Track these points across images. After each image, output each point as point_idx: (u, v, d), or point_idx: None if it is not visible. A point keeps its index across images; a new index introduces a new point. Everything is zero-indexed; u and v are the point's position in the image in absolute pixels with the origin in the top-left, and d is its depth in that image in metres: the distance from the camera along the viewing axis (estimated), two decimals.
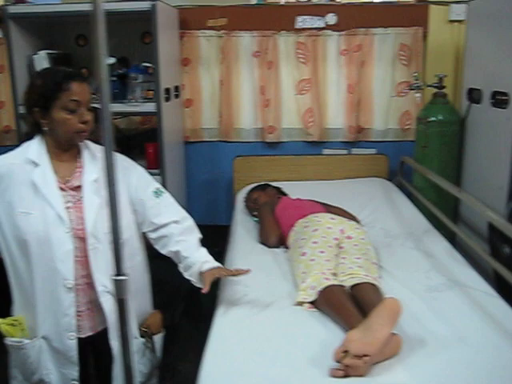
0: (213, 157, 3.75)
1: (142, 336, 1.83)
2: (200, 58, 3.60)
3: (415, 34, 3.45)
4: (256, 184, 3.31)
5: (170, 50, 3.29)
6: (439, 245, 2.55)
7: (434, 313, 1.89)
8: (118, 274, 1.14)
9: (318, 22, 3.45)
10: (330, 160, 3.70)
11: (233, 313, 1.92)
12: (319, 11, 3.46)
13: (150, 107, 3.02)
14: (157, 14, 2.91)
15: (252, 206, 3.09)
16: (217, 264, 1.87)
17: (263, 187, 3.22)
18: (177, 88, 3.44)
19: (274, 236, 2.65)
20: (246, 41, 3.54)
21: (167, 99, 3.17)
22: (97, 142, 1.74)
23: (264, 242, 2.64)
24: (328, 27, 3.47)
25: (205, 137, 3.74)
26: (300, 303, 1.97)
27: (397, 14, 3.45)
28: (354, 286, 1.97)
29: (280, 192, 3.20)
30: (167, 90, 3.16)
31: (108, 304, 1.66)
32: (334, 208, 2.83)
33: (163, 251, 1.86)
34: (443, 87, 3.18)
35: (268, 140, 3.68)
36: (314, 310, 1.93)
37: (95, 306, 1.70)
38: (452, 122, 3.17)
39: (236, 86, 3.61)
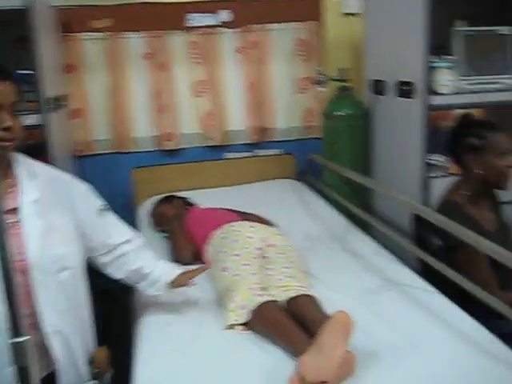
0: (109, 170, 3.40)
1: (94, 378, 1.55)
2: (85, 63, 3.25)
3: (311, 29, 3.36)
4: (160, 196, 3.04)
5: (51, 55, 2.93)
6: (364, 243, 2.44)
7: (377, 318, 1.74)
8: (16, 334, 0.84)
9: (210, 20, 3.24)
10: (234, 164, 3.51)
11: (155, 350, 1.65)
12: (211, 8, 3.26)
13: (33, 120, 2.65)
14: (34, 13, 2.56)
15: (159, 221, 2.82)
16: (182, 268, 1.85)
17: (169, 199, 2.96)
18: (62, 97, 3.08)
19: (188, 251, 2.41)
20: (135, 42, 3.25)
21: (52, 110, 2.81)
22: None
23: (177, 258, 2.38)
24: (222, 25, 3.28)
25: (98, 149, 3.37)
26: (231, 326, 1.74)
27: (292, 9, 3.33)
28: (289, 301, 1.77)
29: (187, 203, 2.96)
30: (51, 100, 2.81)
31: (57, 345, 1.42)
32: (248, 215, 2.64)
33: (119, 273, 1.73)
34: (347, 80, 3.11)
35: (167, 148, 3.41)
36: (249, 332, 1.71)
37: (41, 348, 1.40)
38: (359, 115, 3.10)
39: (127, 91, 3.30)
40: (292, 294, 1.79)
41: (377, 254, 2.32)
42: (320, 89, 3.09)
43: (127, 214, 3.35)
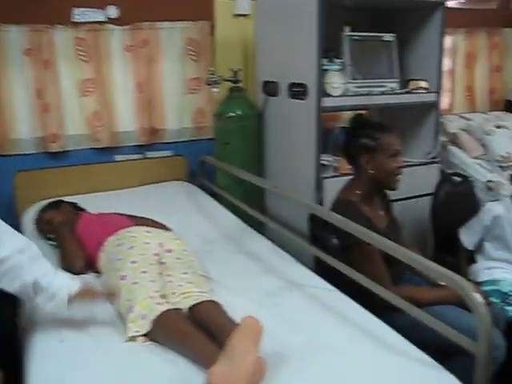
0: None
1: None
2: None
3: (202, 29, 3.31)
4: (46, 202, 2.84)
5: None
6: (261, 244, 2.44)
7: (281, 321, 1.74)
8: None
9: (98, 15, 3.08)
10: (124, 166, 3.38)
11: (48, 373, 1.50)
12: (99, 3, 3.10)
13: None
14: None
15: (46, 229, 2.63)
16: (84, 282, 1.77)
17: (56, 205, 2.77)
18: None
19: (80, 259, 2.27)
20: (15, 36, 2.99)
21: None
22: None
23: (68, 267, 2.22)
24: (110, 21, 3.13)
25: None
26: (132, 338, 1.65)
27: (183, 8, 3.26)
28: (192, 308, 1.72)
29: (77, 208, 2.79)
30: None
31: None
32: (142, 219, 2.54)
33: (11, 287, 1.59)
34: (239, 81, 3.10)
35: (52, 150, 3.19)
36: (151, 343, 1.63)
37: None
38: (251, 116, 3.10)
39: (6, 89, 3.05)
40: (193, 300, 1.74)
41: (275, 255, 2.32)
42: (212, 89, 3.05)
43: (10, 222, 3.11)
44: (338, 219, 2.10)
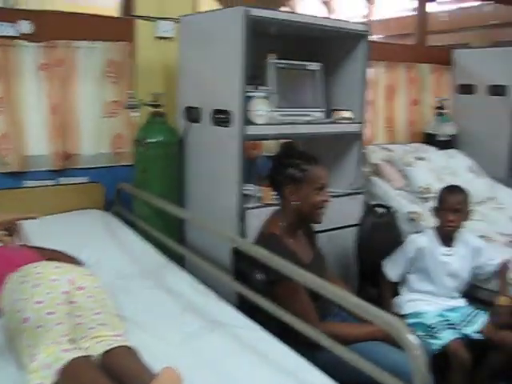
0: None
1: None
2: None
3: (123, 50, 3.16)
4: None
5: None
6: (181, 279, 2.29)
7: (202, 366, 1.60)
8: None
9: (8, 30, 2.86)
10: (34, 193, 3.12)
11: None
12: (10, 17, 2.88)
13: None
14: None
15: None
16: None
17: None
18: None
19: None
20: None
21: None
22: None
23: None
24: (23, 37, 2.92)
25: None
26: None
27: (102, 27, 3.10)
28: (105, 354, 1.54)
29: None
30: None
31: None
32: (52, 253, 2.33)
33: None
34: (160, 106, 2.97)
35: None
36: None
37: None
38: (172, 142, 2.98)
39: None
40: (107, 346, 1.57)
41: (196, 291, 2.18)
42: (132, 114, 2.91)
43: None
44: (262, 254, 2.01)
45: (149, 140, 2.91)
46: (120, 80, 3.19)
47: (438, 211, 2.69)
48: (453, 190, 2.69)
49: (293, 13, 2.76)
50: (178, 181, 3.03)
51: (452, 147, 4.08)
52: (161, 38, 3.24)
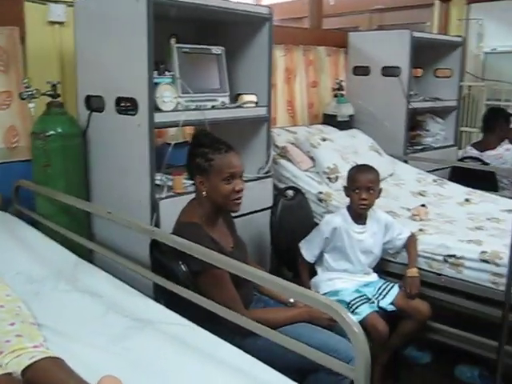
0: None
1: None
2: None
3: (11, 35, 2.90)
4: None
5: None
6: (98, 278, 2.16)
7: (135, 368, 1.51)
8: None
9: None
10: None
11: None
12: None
13: None
14: None
15: None
16: None
17: None
18: None
19: None
20: None
21: None
22: None
23: None
24: None
25: None
26: None
27: None
28: (26, 370, 1.40)
29: None
30: None
31: None
32: None
33: None
34: (58, 95, 2.77)
35: None
36: None
37: None
38: (73, 134, 2.78)
39: None
40: (28, 359, 1.43)
41: (116, 289, 2.07)
42: (28, 105, 2.69)
43: None
44: (182, 244, 1.96)
45: (48, 132, 2.71)
46: (10, 68, 2.94)
47: (350, 191, 2.75)
48: (364, 169, 2.76)
49: None
50: (83, 174, 2.87)
51: (351, 127, 4.20)
52: (54, 22, 3.02)
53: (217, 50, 2.94)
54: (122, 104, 2.63)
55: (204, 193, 2.13)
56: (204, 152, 2.12)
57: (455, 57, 4.70)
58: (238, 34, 3.06)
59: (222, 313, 1.84)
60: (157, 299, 2.10)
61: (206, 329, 1.79)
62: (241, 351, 1.67)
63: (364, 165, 2.85)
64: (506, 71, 5.43)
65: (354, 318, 2.34)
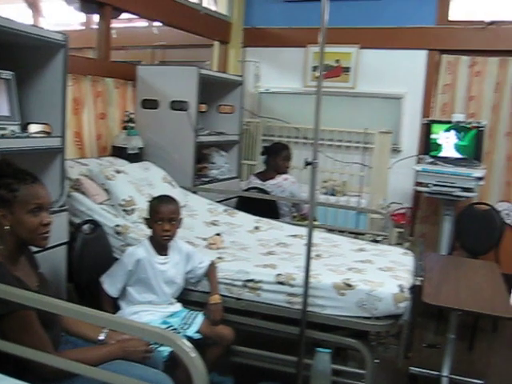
0: None
1: None
2: None
3: None
4: None
5: None
6: None
7: None
8: None
9: None
10: None
11: None
12: None
13: None
14: None
15: None
16: None
17: None
18: None
19: None
20: None
21: None
22: None
23: None
24: None
25: None
26: None
27: None
28: None
29: None
30: None
31: None
32: None
33: None
34: None
35: None
36: None
37: None
38: None
39: None
40: None
41: None
42: None
43: None
44: None
45: None
46: None
47: (153, 222, 2.75)
48: (165, 201, 2.80)
49: None
50: None
51: (141, 160, 4.20)
52: None
53: (6, 74, 2.73)
54: None
55: (7, 227, 1.94)
56: (7, 182, 1.95)
57: (236, 94, 5.03)
58: (30, 59, 2.87)
59: (32, 356, 1.69)
60: None
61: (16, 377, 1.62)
62: None
63: (165, 196, 2.89)
64: (277, 110, 5.98)
65: (165, 350, 2.40)
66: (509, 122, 5.29)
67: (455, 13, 5.46)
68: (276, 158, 4.77)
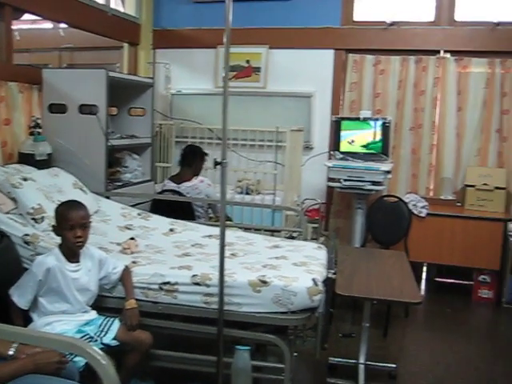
0: None
1: None
2: None
3: None
4: None
5: None
6: None
7: None
8: None
9: None
10: None
11: None
12: None
13: None
14: None
15: None
16: None
17: None
18: None
19: None
20: None
21: None
22: None
23: None
24: None
25: None
26: None
27: None
28: None
29: None
30: None
31: None
32: None
33: None
34: None
35: None
36: None
37: None
38: None
39: None
40: None
41: None
42: None
43: None
44: None
45: None
46: None
47: (63, 229, 2.68)
48: (74, 206, 2.73)
49: None
50: None
51: (50, 166, 4.07)
52: None
53: None
54: None
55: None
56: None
57: (147, 97, 4.98)
58: None
59: None
60: None
61: None
62: None
63: (72, 201, 2.83)
64: (190, 111, 5.98)
65: (80, 360, 2.35)
66: (412, 117, 5.56)
67: (359, 14, 5.67)
68: (197, 160, 4.78)
